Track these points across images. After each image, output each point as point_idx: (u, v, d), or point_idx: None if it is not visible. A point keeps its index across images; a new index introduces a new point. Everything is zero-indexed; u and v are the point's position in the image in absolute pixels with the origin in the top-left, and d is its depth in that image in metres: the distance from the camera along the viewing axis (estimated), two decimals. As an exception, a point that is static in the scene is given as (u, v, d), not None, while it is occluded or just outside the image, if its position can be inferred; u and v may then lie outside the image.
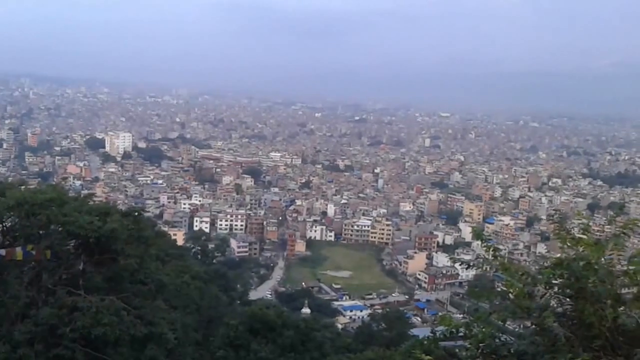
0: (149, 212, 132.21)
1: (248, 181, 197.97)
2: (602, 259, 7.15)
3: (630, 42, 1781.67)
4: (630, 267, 7.05)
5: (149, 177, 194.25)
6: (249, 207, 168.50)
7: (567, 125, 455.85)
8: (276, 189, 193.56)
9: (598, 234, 9.07)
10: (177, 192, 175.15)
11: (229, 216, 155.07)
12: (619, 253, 7.73)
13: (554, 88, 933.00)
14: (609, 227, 8.21)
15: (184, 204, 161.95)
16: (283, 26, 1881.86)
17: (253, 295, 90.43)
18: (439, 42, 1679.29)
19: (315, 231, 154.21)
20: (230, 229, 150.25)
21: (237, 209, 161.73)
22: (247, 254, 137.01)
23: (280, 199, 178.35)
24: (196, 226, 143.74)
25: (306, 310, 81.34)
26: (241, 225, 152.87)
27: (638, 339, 6.11)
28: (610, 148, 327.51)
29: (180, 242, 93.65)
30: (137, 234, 20.90)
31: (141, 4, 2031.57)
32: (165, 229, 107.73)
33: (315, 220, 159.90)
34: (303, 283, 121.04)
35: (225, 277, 69.00)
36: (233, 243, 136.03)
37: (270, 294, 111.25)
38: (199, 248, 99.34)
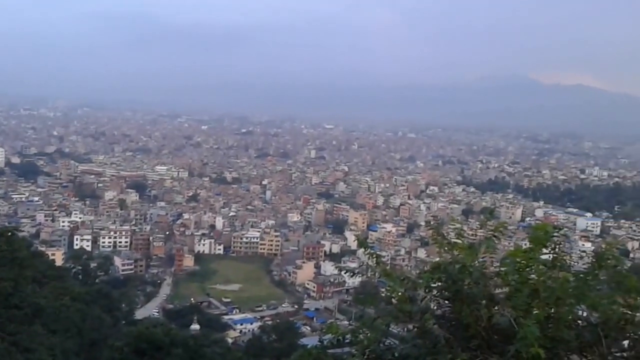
0: (24, 231, 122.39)
1: (132, 196, 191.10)
2: (476, 262, 7.48)
3: (496, 56, 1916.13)
4: (502, 269, 7.42)
5: (24, 194, 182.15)
6: (133, 222, 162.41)
7: (441, 135, 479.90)
8: (162, 203, 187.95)
9: (472, 237, 9.57)
10: (55, 210, 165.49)
11: (112, 233, 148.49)
12: (491, 255, 8.17)
13: (429, 100, 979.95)
14: (481, 231, 8.64)
15: (63, 221, 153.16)
16: (167, 38, 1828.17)
17: (139, 314, 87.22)
18: (323, 57, 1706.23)
19: (204, 245, 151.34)
20: (114, 246, 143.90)
21: (121, 225, 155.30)
22: (132, 271, 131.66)
23: (167, 213, 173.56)
24: (77, 245, 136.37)
25: (195, 327, 79.57)
26: (126, 242, 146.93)
27: (511, 336, 6.38)
28: (481, 157, 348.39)
29: (59, 263, 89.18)
30: (11, 255, 19.66)
31: (14, 12, 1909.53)
32: (43, 249, 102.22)
33: (203, 234, 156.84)
34: (192, 298, 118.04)
35: (109, 297, 66.12)
36: (117, 261, 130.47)
37: (158, 312, 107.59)
38: (80, 268, 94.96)
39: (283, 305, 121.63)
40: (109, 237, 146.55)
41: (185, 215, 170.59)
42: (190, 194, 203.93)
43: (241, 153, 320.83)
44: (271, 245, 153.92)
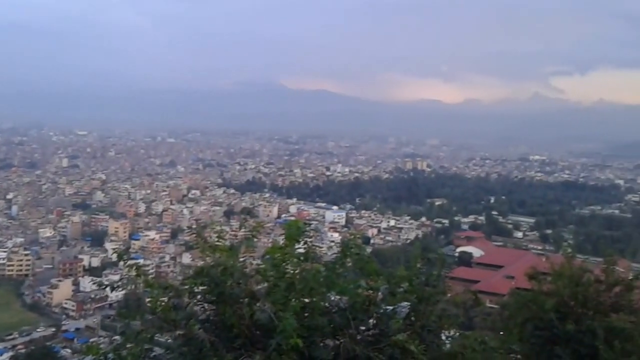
0: None
1: None
2: (237, 262, 7.72)
3: (249, 63, 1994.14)
4: (261, 266, 7.78)
5: None
6: None
7: (200, 139, 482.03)
8: None
9: (234, 238, 9.83)
10: None
11: None
12: (251, 254, 8.49)
13: (186, 105, 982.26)
14: (242, 231, 8.93)
15: None
16: None
17: None
18: (69, 59, 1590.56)
19: None
20: None
21: None
22: None
23: None
24: None
25: None
26: None
27: (272, 330, 6.70)
28: (238, 159, 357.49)
29: None
30: None
31: None
32: None
33: None
34: None
35: None
36: None
37: None
38: None
39: (38, 329, 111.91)
40: None
41: None
42: None
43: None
44: (20, 265, 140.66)
